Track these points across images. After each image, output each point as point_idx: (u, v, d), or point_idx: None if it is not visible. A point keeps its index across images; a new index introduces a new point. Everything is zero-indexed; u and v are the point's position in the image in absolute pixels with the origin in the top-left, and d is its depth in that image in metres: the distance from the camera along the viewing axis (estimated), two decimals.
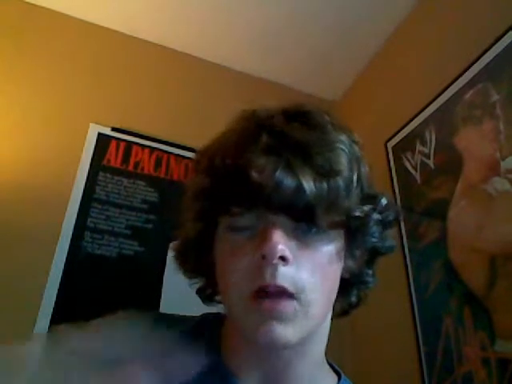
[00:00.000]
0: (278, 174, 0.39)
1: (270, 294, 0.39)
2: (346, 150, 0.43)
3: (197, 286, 0.53)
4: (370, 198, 0.45)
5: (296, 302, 0.40)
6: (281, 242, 0.39)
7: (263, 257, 0.39)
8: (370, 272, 0.50)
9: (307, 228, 0.42)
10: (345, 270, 0.47)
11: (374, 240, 0.46)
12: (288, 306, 0.39)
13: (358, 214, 0.43)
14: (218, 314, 0.54)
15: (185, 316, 0.55)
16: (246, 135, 0.43)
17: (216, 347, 0.49)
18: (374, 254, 0.49)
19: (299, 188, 0.39)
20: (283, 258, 0.39)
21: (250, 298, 0.40)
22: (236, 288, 0.41)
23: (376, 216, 0.45)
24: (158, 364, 0.48)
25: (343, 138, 0.44)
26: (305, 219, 0.41)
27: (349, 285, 0.49)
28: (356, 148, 0.46)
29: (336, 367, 0.54)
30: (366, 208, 0.44)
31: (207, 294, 0.53)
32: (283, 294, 0.39)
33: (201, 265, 0.49)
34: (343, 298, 0.50)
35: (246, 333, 0.42)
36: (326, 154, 0.41)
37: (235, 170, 0.41)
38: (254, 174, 0.39)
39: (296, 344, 0.41)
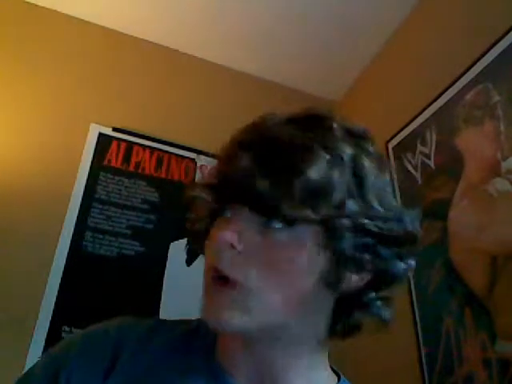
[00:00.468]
0: (242, 165, 0.41)
1: (218, 279, 0.42)
2: (336, 155, 0.42)
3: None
4: (342, 205, 0.42)
5: (236, 289, 0.41)
6: (230, 229, 0.41)
7: (217, 242, 0.42)
8: (374, 295, 0.46)
9: (269, 223, 0.42)
10: (335, 281, 0.44)
11: (345, 247, 0.42)
12: (227, 291, 0.41)
13: (329, 213, 0.41)
14: None
15: (183, 319, 0.56)
16: (237, 133, 0.47)
17: (213, 348, 0.50)
18: (376, 275, 0.45)
19: (260, 180, 0.40)
20: (231, 245, 0.41)
21: (207, 283, 0.43)
22: (206, 269, 0.45)
23: (346, 222, 0.41)
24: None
25: (343, 144, 0.44)
26: (265, 213, 0.42)
27: (350, 305, 0.47)
28: (363, 156, 0.44)
29: (335, 368, 0.54)
30: (341, 213, 0.41)
31: None
32: (226, 279, 0.41)
33: None
34: (343, 318, 0.47)
35: (202, 317, 0.44)
36: (303, 154, 0.41)
37: (219, 163, 0.46)
38: (223, 166, 0.44)
39: (248, 331, 0.42)
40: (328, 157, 0.42)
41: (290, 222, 0.41)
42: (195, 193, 0.47)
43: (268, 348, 0.46)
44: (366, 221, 0.42)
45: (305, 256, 0.42)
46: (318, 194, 0.41)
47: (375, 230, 0.43)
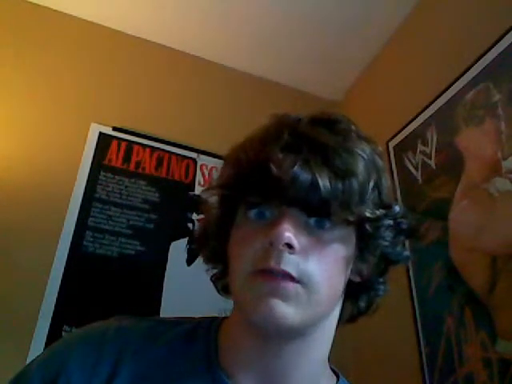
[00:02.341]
0: (295, 169, 0.42)
1: (274, 274, 0.41)
2: (365, 157, 0.46)
3: (213, 272, 0.55)
4: (384, 206, 0.47)
5: (299, 284, 0.42)
6: (288, 230, 0.41)
7: (271, 243, 0.41)
8: (381, 280, 0.51)
9: (319, 223, 0.44)
10: (355, 272, 0.48)
11: (385, 244, 0.47)
12: (291, 286, 0.41)
13: (369, 215, 0.44)
14: (216, 317, 0.54)
15: (182, 318, 0.55)
16: (270, 134, 0.47)
17: (213, 349, 0.49)
18: (385, 261, 0.50)
19: (314, 184, 0.42)
20: (289, 246, 0.41)
21: (255, 273, 0.42)
22: (243, 268, 0.44)
23: (388, 222, 0.47)
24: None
25: (365, 146, 0.47)
26: (317, 213, 0.43)
27: (359, 290, 0.51)
28: (377, 159, 0.48)
29: (334, 367, 0.54)
30: (379, 212, 0.46)
31: (223, 284, 0.54)
32: (287, 276, 0.41)
33: (219, 251, 0.51)
34: (352, 303, 0.51)
35: (247, 309, 0.43)
36: (344, 156, 0.44)
37: (256, 164, 0.44)
38: (273, 168, 0.42)
39: (295, 327, 0.42)
40: (364, 161, 0.45)
41: (339, 223, 0.44)
42: (227, 192, 0.48)
43: (285, 345, 0.46)
44: (401, 220, 0.48)
45: (348, 253, 0.46)
46: (361, 196, 0.44)
47: (404, 227, 0.49)
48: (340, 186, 0.42)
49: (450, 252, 1.21)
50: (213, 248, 0.53)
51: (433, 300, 1.25)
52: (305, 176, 0.42)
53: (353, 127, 0.48)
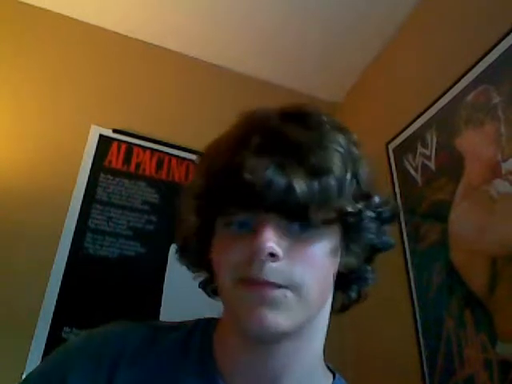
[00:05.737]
0: (268, 173, 0.40)
1: (259, 283, 0.41)
2: (341, 150, 0.44)
3: (200, 279, 0.55)
4: (364, 196, 0.46)
5: (287, 289, 0.41)
6: (270, 239, 0.40)
7: (254, 255, 0.40)
8: (369, 268, 0.52)
9: (300, 226, 0.42)
10: (342, 265, 0.48)
11: (370, 236, 0.47)
12: (278, 292, 0.40)
13: (350, 210, 0.44)
14: (212, 318, 0.54)
15: (178, 323, 0.56)
16: (239, 137, 0.44)
17: (209, 352, 0.49)
18: (372, 251, 0.50)
19: (290, 187, 0.40)
20: (272, 255, 0.40)
21: (241, 282, 0.42)
22: (227, 276, 0.43)
23: (369, 213, 0.46)
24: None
25: (339, 138, 0.45)
26: (297, 217, 0.42)
27: (348, 281, 0.51)
28: (354, 148, 0.47)
29: (330, 366, 0.54)
30: (359, 205, 0.45)
31: (212, 288, 0.54)
32: (272, 284, 0.40)
33: (202, 260, 0.50)
34: (343, 293, 0.52)
35: (239, 320, 0.43)
36: (319, 153, 0.42)
37: (228, 172, 0.42)
38: (246, 175, 0.40)
39: (288, 332, 0.42)
40: (340, 154, 0.44)
41: (319, 225, 0.42)
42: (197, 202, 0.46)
43: (277, 347, 0.45)
44: (381, 209, 0.48)
45: (333, 250, 0.45)
46: (339, 192, 0.42)
47: (386, 216, 0.49)
48: (317, 185, 0.41)
49: (450, 254, 1.21)
50: (194, 258, 0.52)
51: (433, 301, 1.25)
52: (280, 180, 0.40)
53: (325, 118, 0.47)
